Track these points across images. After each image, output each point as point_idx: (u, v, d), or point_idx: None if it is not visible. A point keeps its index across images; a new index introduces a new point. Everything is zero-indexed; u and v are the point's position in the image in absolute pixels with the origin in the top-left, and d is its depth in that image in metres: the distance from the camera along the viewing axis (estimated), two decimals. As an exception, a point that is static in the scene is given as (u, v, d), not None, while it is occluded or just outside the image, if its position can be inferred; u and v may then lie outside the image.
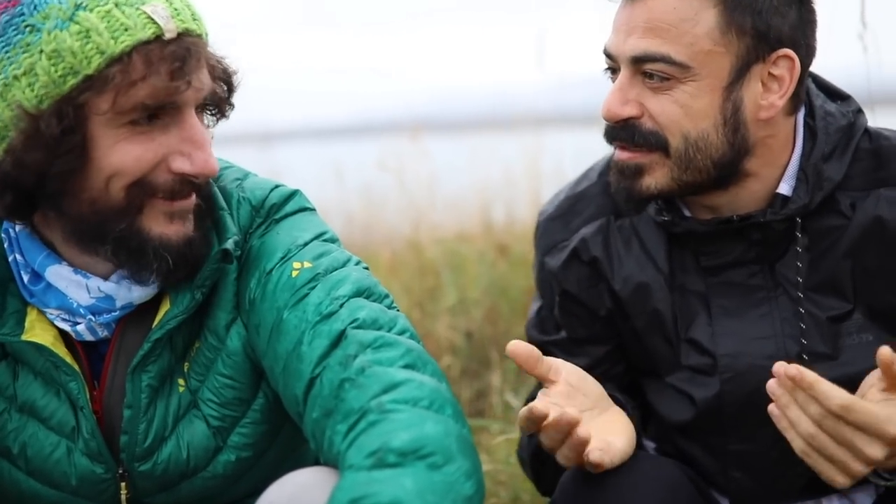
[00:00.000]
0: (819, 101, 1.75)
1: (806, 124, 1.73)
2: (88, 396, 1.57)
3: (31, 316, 1.57)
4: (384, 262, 4.82)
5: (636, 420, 1.70)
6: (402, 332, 1.48)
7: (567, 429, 1.47)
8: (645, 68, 1.64)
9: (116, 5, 1.41)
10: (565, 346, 1.86)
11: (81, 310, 1.54)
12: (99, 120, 1.42)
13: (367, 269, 1.60)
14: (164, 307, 1.56)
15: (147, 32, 1.41)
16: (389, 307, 1.53)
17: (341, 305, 1.49)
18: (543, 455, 1.72)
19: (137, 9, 1.41)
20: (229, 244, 1.54)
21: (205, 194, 1.55)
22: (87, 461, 1.58)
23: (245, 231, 1.60)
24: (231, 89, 1.57)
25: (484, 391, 3.81)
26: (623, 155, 1.71)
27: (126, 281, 1.54)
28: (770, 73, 1.66)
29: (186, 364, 1.59)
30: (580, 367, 1.66)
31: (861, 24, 2.64)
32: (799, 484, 1.75)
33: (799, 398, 1.46)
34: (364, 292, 1.53)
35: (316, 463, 1.64)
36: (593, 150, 1.97)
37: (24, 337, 1.55)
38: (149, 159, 1.45)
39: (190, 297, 1.54)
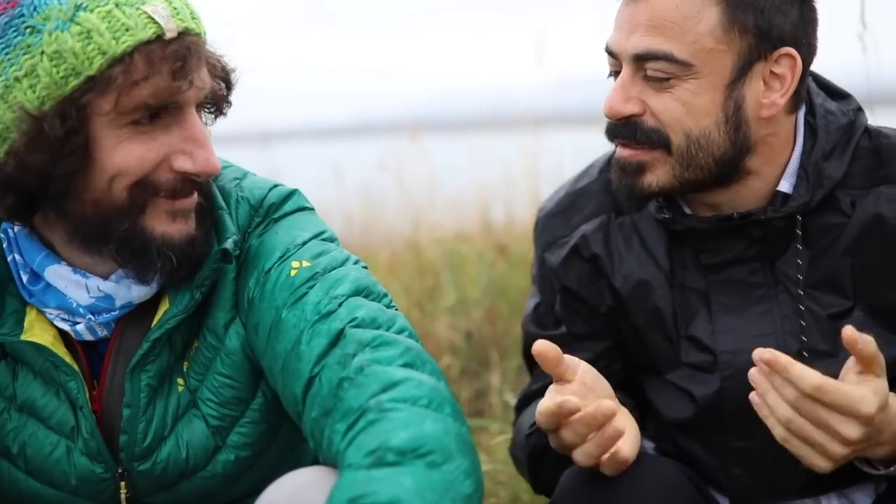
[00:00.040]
0: (819, 100, 1.75)
1: (806, 122, 1.74)
2: (88, 396, 1.57)
3: (31, 316, 1.57)
4: (383, 262, 4.82)
5: (637, 420, 1.70)
6: (400, 331, 1.48)
7: (602, 422, 1.47)
8: (647, 66, 1.65)
9: (117, 5, 1.41)
10: (564, 342, 1.86)
11: (81, 309, 1.54)
12: (101, 120, 1.42)
13: (365, 268, 1.60)
14: (164, 307, 1.56)
15: (148, 32, 1.41)
16: (388, 306, 1.53)
17: (340, 304, 1.49)
18: (541, 454, 1.72)
19: (138, 9, 1.41)
20: (228, 244, 1.54)
21: (205, 193, 1.56)
22: (87, 461, 1.58)
23: (244, 230, 1.60)
24: (229, 87, 1.57)
25: (483, 391, 3.81)
26: (625, 152, 1.71)
27: (125, 280, 1.54)
28: (772, 72, 1.66)
29: (185, 363, 1.59)
30: None
31: (861, 24, 2.64)
32: (799, 482, 1.75)
33: (775, 383, 1.47)
34: (363, 291, 1.53)
35: (315, 462, 1.64)
36: (593, 150, 1.98)
37: (23, 337, 1.55)
38: (151, 159, 1.45)
39: (189, 297, 1.54)
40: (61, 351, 1.55)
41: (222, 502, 1.67)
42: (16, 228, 1.56)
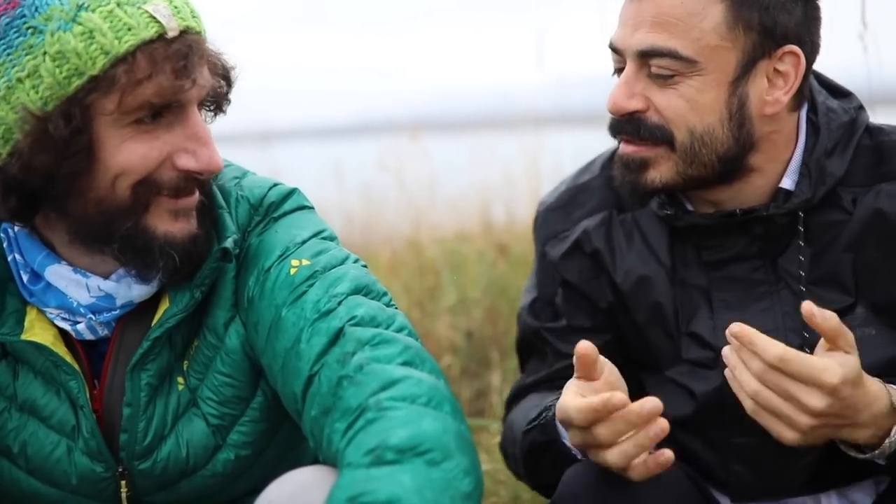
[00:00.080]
0: (821, 98, 1.76)
1: (809, 120, 1.75)
2: (88, 395, 1.57)
3: (31, 315, 1.57)
4: (384, 261, 4.82)
5: None
6: (400, 330, 1.48)
7: (647, 419, 1.44)
8: (651, 63, 1.65)
9: (118, 5, 1.41)
10: (563, 334, 1.86)
11: (81, 309, 1.54)
12: (105, 120, 1.42)
13: (365, 266, 1.60)
14: (164, 306, 1.56)
15: (150, 31, 1.41)
16: (388, 305, 1.53)
17: (339, 303, 1.49)
18: (540, 450, 1.71)
19: (139, 8, 1.42)
20: (229, 243, 1.54)
21: (206, 191, 1.56)
22: (87, 460, 1.58)
23: (244, 229, 1.60)
24: (230, 85, 1.57)
25: (484, 391, 3.81)
26: (628, 148, 1.71)
27: (126, 279, 1.54)
28: (775, 69, 1.67)
29: (186, 362, 1.59)
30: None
31: (862, 24, 2.64)
32: (800, 479, 1.75)
33: (743, 356, 1.49)
34: (362, 290, 1.53)
35: (315, 461, 1.64)
36: (593, 149, 1.98)
37: (23, 336, 1.55)
38: (154, 157, 1.46)
39: (189, 296, 1.54)
40: (62, 350, 1.55)
41: (222, 501, 1.67)
42: (16, 228, 1.56)
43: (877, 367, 1.63)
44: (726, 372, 1.51)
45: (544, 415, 1.68)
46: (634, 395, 1.86)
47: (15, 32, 1.41)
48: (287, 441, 1.68)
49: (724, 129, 1.66)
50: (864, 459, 1.57)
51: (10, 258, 1.57)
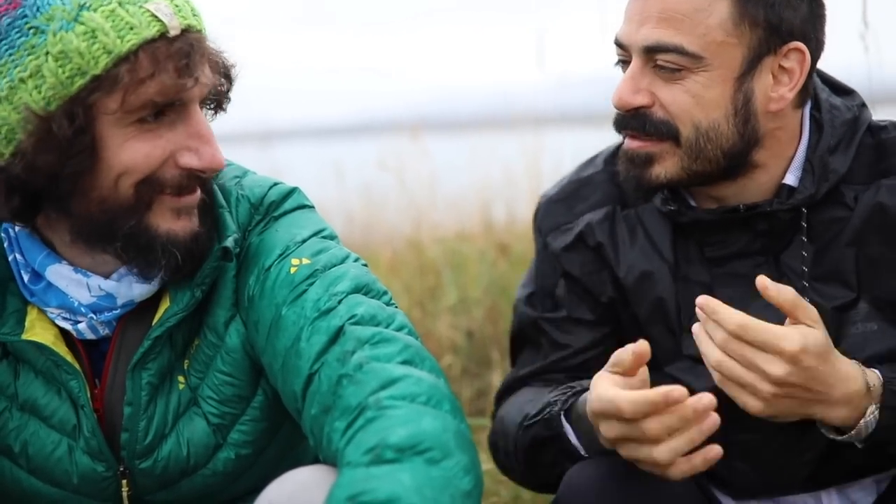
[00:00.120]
0: (824, 95, 1.77)
1: (812, 117, 1.75)
2: (89, 395, 1.57)
3: (32, 315, 1.57)
4: (385, 261, 4.82)
5: None
6: (400, 329, 1.48)
7: (703, 414, 1.43)
8: (657, 58, 1.65)
9: (120, 4, 1.41)
10: (563, 325, 1.86)
11: (82, 308, 1.55)
12: (108, 119, 1.42)
13: (365, 265, 1.60)
14: (164, 305, 1.56)
15: (152, 30, 1.41)
16: (388, 304, 1.53)
17: (339, 302, 1.49)
18: (542, 445, 1.70)
19: (141, 7, 1.42)
20: (229, 242, 1.54)
21: (207, 189, 1.56)
22: (89, 459, 1.59)
23: (244, 228, 1.60)
24: (230, 83, 1.58)
25: (484, 390, 3.81)
26: (633, 144, 1.72)
27: (127, 279, 1.54)
28: (781, 66, 1.67)
29: (186, 361, 1.60)
30: (573, 346, 1.74)
31: (863, 24, 2.65)
32: (801, 476, 1.76)
33: (708, 328, 1.51)
34: (362, 289, 1.53)
35: (315, 461, 1.64)
36: (593, 149, 1.98)
37: (24, 336, 1.55)
38: (157, 156, 1.46)
39: (190, 295, 1.54)
40: (62, 350, 1.56)
41: (223, 500, 1.67)
42: (16, 228, 1.56)
43: (877, 357, 1.64)
44: (696, 343, 1.53)
45: (549, 410, 1.67)
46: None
47: (17, 32, 1.41)
48: (287, 440, 1.68)
49: (730, 125, 1.67)
50: (842, 441, 1.58)
51: (10, 258, 1.57)
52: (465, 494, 1.29)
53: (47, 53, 1.40)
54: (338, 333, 1.46)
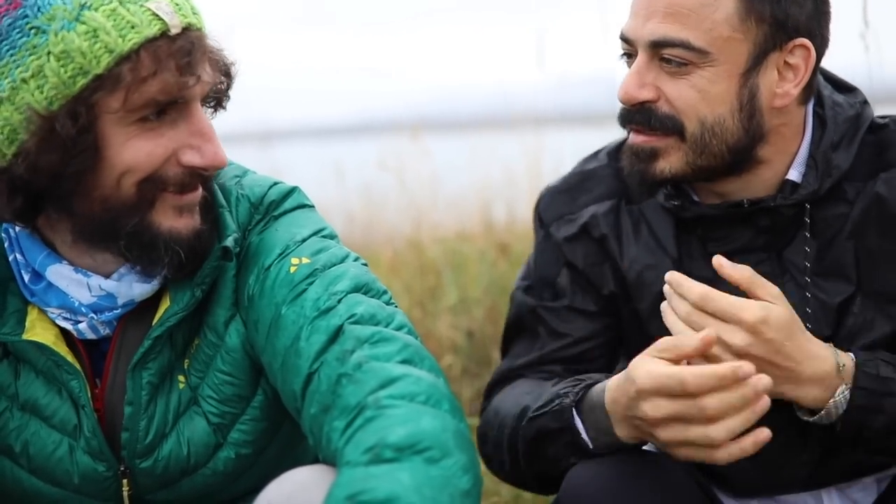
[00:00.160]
0: (827, 92, 1.78)
1: (815, 114, 1.76)
2: (90, 394, 1.57)
3: (32, 315, 1.57)
4: (385, 261, 4.82)
5: None
6: (399, 328, 1.49)
7: (761, 394, 1.41)
8: (663, 53, 1.66)
9: (121, 3, 1.41)
10: (562, 314, 1.86)
11: (83, 308, 1.55)
12: (110, 118, 1.43)
13: (365, 264, 1.60)
14: (164, 304, 1.57)
15: (153, 29, 1.42)
16: (387, 303, 1.53)
17: (339, 301, 1.50)
18: (547, 438, 1.69)
19: (141, 6, 1.42)
20: (229, 241, 1.54)
21: (208, 187, 1.56)
22: (89, 459, 1.59)
23: (244, 228, 1.60)
24: (230, 81, 1.58)
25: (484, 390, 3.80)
26: (638, 138, 1.72)
27: (127, 278, 1.54)
28: (786, 62, 1.68)
29: (186, 361, 1.60)
30: (573, 336, 1.80)
31: (863, 24, 2.65)
32: (801, 475, 1.76)
33: (673, 303, 1.56)
34: (362, 288, 1.53)
35: (316, 460, 1.64)
36: (593, 148, 1.98)
37: (25, 336, 1.55)
38: (160, 154, 1.46)
39: (190, 295, 1.54)
40: (63, 350, 1.56)
41: (223, 500, 1.67)
42: (17, 228, 1.56)
43: (868, 346, 1.67)
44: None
45: (558, 401, 1.66)
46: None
47: (18, 33, 1.41)
48: (288, 440, 1.68)
49: (735, 121, 1.67)
50: (814, 422, 1.61)
51: (11, 258, 1.57)
52: (465, 494, 1.29)
53: (49, 53, 1.40)
54: (337, 332, 1.46)
